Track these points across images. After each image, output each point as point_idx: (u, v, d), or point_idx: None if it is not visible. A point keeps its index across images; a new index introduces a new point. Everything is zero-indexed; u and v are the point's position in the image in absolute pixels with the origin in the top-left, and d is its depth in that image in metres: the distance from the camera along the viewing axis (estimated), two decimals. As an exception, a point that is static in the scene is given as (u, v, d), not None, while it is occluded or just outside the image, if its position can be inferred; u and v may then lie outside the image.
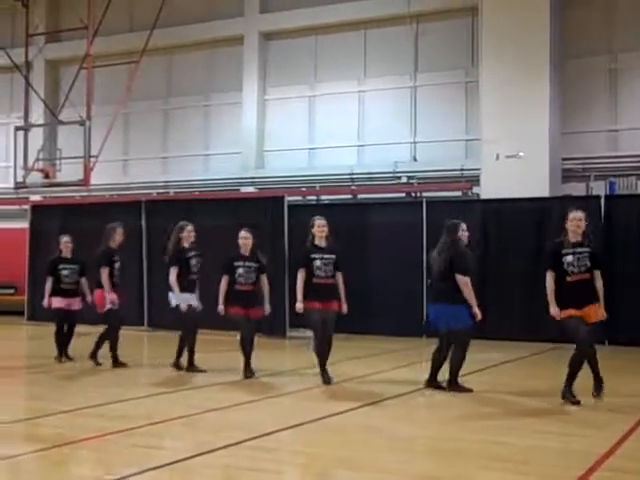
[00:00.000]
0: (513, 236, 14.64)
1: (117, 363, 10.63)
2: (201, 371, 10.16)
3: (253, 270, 9.77)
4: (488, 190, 16.02)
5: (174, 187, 20.71)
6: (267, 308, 9.91)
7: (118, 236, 10.92)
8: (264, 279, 9.91)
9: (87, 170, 18.31)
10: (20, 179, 19.47)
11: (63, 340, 11.21)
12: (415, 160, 18.37)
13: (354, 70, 19.25)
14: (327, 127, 19.42)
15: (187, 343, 10.24)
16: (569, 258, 8.05)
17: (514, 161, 15.71)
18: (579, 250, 8.09)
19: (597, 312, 8.15)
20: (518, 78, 16.01)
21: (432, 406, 8.23)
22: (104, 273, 10.65)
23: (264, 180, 19.65)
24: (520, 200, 14.92)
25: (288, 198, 16.08)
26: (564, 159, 16.50)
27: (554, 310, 8.12)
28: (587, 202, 13.85)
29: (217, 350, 12.26)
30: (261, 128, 20.15)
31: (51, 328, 11.39)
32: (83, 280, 11.39)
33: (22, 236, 18.58)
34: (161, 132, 21.61)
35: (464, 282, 8.56)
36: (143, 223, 16.87)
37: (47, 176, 19.61)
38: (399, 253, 15.15)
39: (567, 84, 16.74)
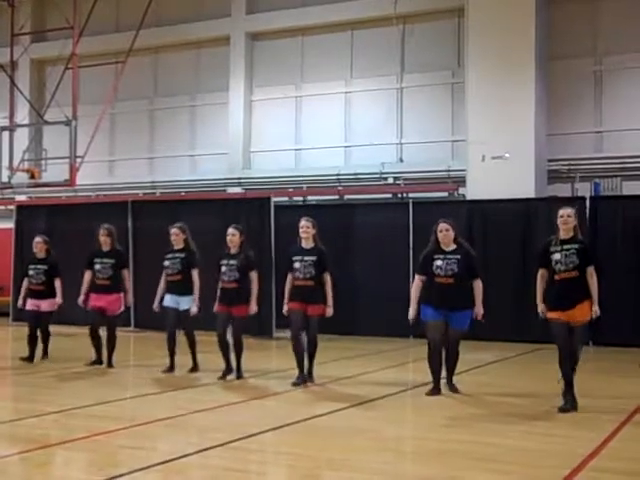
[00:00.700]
0: (499, 237, 14.71)
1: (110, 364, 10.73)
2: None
3: (235, 268, 9.68)
4: (474, 191, 16.07)
5: (161, 187, 20.67)
6: (252, 307, 9.74)
7: (99, 237, 10.86)
8: (252, 276, 9.77)
9: (73, 170, 18.22)
10: (5, 179, 19.35)
11: (30, 341, 11.18)
12: (401, 161, 18.41)
13: (341, 71, 19.27)
14: (314, 128, 19.43)
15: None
16: (557, 256, 7.94)
17: (500, 162, 15.76)
18: (567, 247, 7.95)
19: (584, 311, 7.95)
20: (504, 79, 16.06)
21: (419, 407, 8.24)
22: (85, 275, 10.74)
23: (251, 181, 19.64)
24: (506, 201, 15.00)
25: (275, 199, 16.08)
26: (549, 160, 16.57)
27: (540, 308, 8.10)
28: (572, 203, 13.85)
29: (202, 351, 12.23)
30: (248, 129, 20.14)
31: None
32: (57, 282, 11.20)
33: (7, 236, 18.51)
34: (147, 132, 21.56)
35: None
36: (130, 224, 16.83)
37: (33, 176, 19.50)
38: (385, 254, 15.20)
39: (553, 86, 16.81)
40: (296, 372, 9.42)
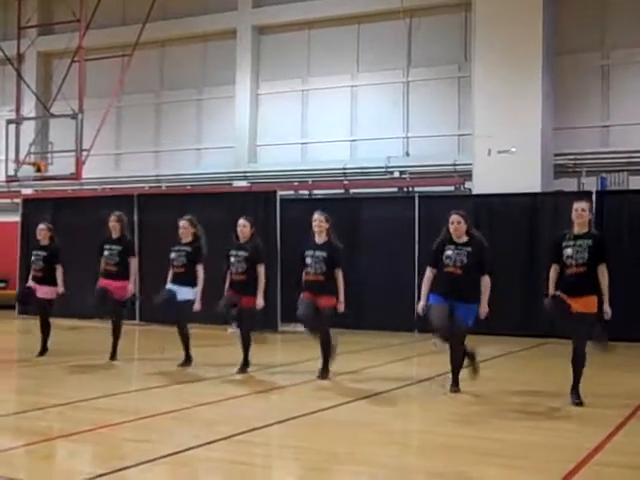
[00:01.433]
0: (505, 231, 14.68)
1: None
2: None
3: (244, 259, 9.63)
4: (480, 185, 16.05)
5: (166, 181, 20.68)
6: (259, 301, 9.64)
7: (110, 224, 10.84)
8: (259, 269, 9.66)
9: (79, 164, 18.26)
10: (12, 172, 19.41)
11: (43, 330, 11.07)
12: (407, 155, 18.38)
13: (347, 65, 19.24)
14: (320, 121, 19.42)
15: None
16: (568, 251, 7.83)
17: (506, 156, 15.74)
18: (579, 242, 7.83)
19: (588, 304, 7.80)
20: (511, 73, 16.03)
21: (425, 401, 8.23)
22: (101, 263, 10.72)
23: (256, 174, 19.63)
24: (512, 195, 15.00)
25: (280, 193, 16.10)
26: (556, 154, 16.53)
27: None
28: (583, 197, 13.86)
29: (209, 345, 12.26)
30: (254, 122, 20.12)
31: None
32: (58, 269, 10.98)
33: (14, 229, 18.55)
34: (153, 126, 21.57)
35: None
36: (135, 217, 16.85)
37: (39, 170, 19.53)
38: (391, 248, 15.20)
39: (560, 80, 16.76)
40: (300, 366, 9.41)
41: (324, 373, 9.29)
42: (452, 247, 8.34)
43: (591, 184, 16.10)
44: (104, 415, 7.13)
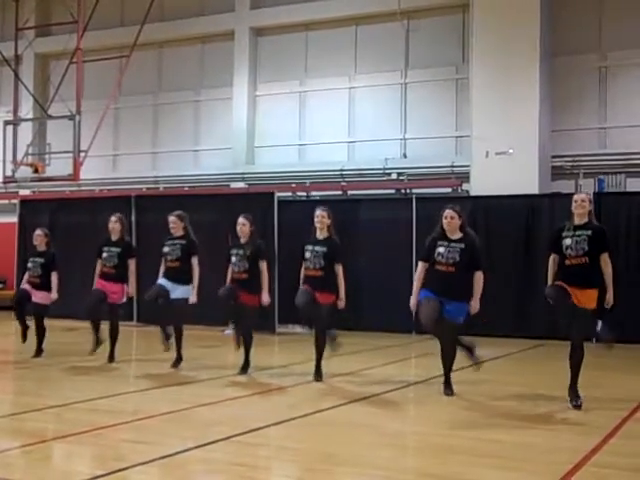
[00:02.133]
0: (502, 232, 14.72)
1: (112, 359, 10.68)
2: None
3: (245, 257, 9.61)
4: (478, 187, 16.06)
5: (164, 182, 20.68)
6: (265, 298, 9.63)
7: (110, 225, 10.81)
8: (262, 266, 9.65)
9: (77, 165, 18.26)
10: (9, 173, 19.42)
11: (38, 332, 11.09)
12: (405, 157, 18.39)
13: (345, 66, 19.26)
14: (317, 123, 19.43)
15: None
16: (567, 241, 7.75)
17: (504, 158, 15.76)
18: (578, 233, 7.75)
19: (589, 298, 7.72)
20: (508, 75, 16.05)
21: (422, 403, 8.23)
22: (97, 265, 10.68)
23: (254, 176, 19.62)
24: (509, 197, 15.02)
25: (278, 194, 16.11)
26: (553, 156, 16.56)
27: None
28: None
29: (205, 345, 12.26)
30: (251, 124, 20.13)
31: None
32: (53, 276, 10.99)
33: (11, 230, 18.52)
34: (151, 127, 21.56)
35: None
36: (133, 218, 16.83)
37: (36, 171, 19.54)
38: (389, 249, 15.21)
39: (557, 82, 16.79)
40: (297, 368, 9.41)
41: (318, 375, 9.29)
42: (445, 244, 8.23)
43: (589, 186, 16.12)
44: (102, 416, 7.14)
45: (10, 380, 9.99)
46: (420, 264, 8.49)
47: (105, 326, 10.60)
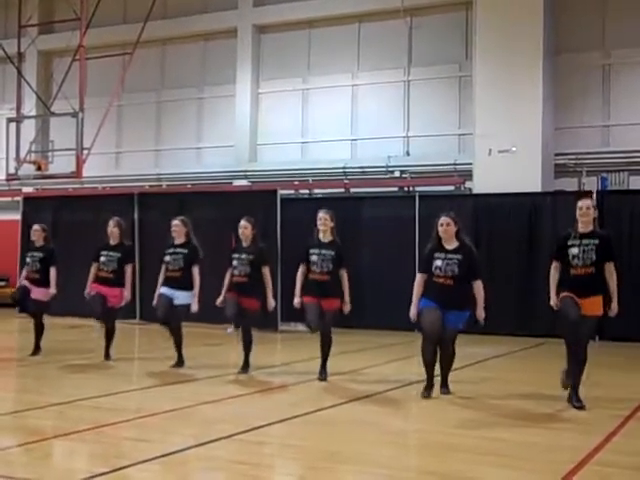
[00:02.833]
0: (505, 231, 14.73)
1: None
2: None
3: (247, 262, 9.53)
4: (481, 185, 16.05)
5: (167, 180, 20.68)
6: (270, 303, 9.56)
7: (108, 229, 10.81)
8: (265, 272, 9.57)
9: (79, 162, 18.27)
10: (12, 171, 19.43)
11: (36, 330, 11.03)
12: (408, 154, 18.38)
13: (348, 64, 19.24)
14: (320, 121, 19.42)
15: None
16: (574, 250, 7.67)
17: (507, 156, 15.74)
18: (585, 242, 7.67)
19: (595, 305, 7.69)
20: (511, 73, 16.03)
21: (424, 401, 8.20)
22: (92, 268, 10.63)
23: (257, 174, 19.62)
24: (512, 195, 15.01)
25: (281, 192, 16.11)
26: (557, 154, 16.54)
27: (553, 301, 7.87)
28: (579, 198, 13.86)
29: (208, 344, 12.26)
30: (254, 121, 20.13)
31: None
32: (52, 271, 10.88)
33: (14, 228, 18.54)
34: (154, 124, 21.57)
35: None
36: (136, 216, 16.87)
37: (39, 168, 19.57)
38: (392, 247, 15.20)
39: (560, 79, 16.77)
40: (300, 366, 9.41)
41: (323, 374, 9.26)
42: (442, 256, 8.13)
43: (592, 184, 16.10)
44: (104, 414, 7.13)
45: (12, 377, 10.00)
46: (419, 276, 8.39)
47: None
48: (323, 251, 9.11)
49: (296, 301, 9.21)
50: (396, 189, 17.97)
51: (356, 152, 19.12)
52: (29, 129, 20.36)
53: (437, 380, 8.52)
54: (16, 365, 10.72)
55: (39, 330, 11.06)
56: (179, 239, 10.17)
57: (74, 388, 8.58)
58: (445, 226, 8.21)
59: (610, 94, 16.84)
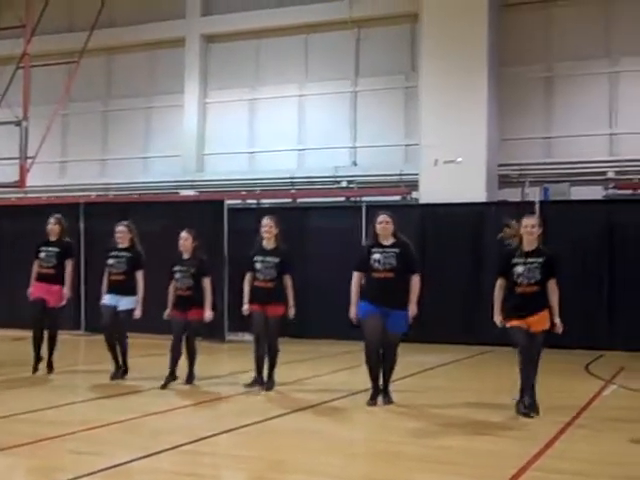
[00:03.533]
0: (451, 240, 14.92)
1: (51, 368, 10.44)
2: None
3: (189, 275, 9.53)
4: (427, 195, 16.22)
5: (113, 189, 20.49)
6: (207, 314, 9.54)
7: (48, 226, 10.55)
8: (205, 283, 9.58)
9: (23, 171, 17.97)
10: (-46, 180, 19.07)
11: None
12: (355, 165, 18.49)
13: (295, 74, 19.30)
14: (268, 131, 19.43)
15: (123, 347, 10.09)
16: (519, 269, 7.78)
17: (452, 166, 15.93)
18: (530, 260, 7.79)
19: (542, 320, 7.83)
20: (457, 84, 16.25)
21: (370, 410, 8.25)
22: (34, 265, 10.46)
23: (204, 183, 19.56)
24: (457, 205, 15.20)
25: (228, 202, 16.08)
26: (501, 165, 16.79)
27: (497, 319, 7.95)
28: (522, 208, 14.12)
29: (153, 354, 12.15)
30: (202, 131, 20.08)
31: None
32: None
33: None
34: (100, 134, 21.36)
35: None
36: (81, 225, 16.67)
37: (-18, 177, 19.22)
38: (338, 257, 15.19)
39: (505, 91, 17.03)
40: (246, 376, 9.39)
41: (270, 383, 9.27)
42: (380, 250, 8.20)
43: (534, 194, 16.37)
44: (47, 427, 7.04)
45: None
46: (355, 274, 8.38)
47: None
48: (267, 258, 9.18)
49: (244, 308, 9.28)
50: (343, 199, 18.05)
51: (303, 162, 19.18)
52: (-29, 137, 20.01)
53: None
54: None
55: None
56: (123, 244, 10.08)
57: (16, 401, 8.44)
58: (384, 224, 8.27)
59: (552, 106, 17.16)
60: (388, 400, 8.37)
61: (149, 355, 12.11)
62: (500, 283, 8.01)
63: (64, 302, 10.52)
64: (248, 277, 9.28)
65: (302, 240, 15.35)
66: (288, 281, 9.22)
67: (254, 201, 18.81)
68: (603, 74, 16.82)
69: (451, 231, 14.99)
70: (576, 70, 16.94)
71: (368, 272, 8.24)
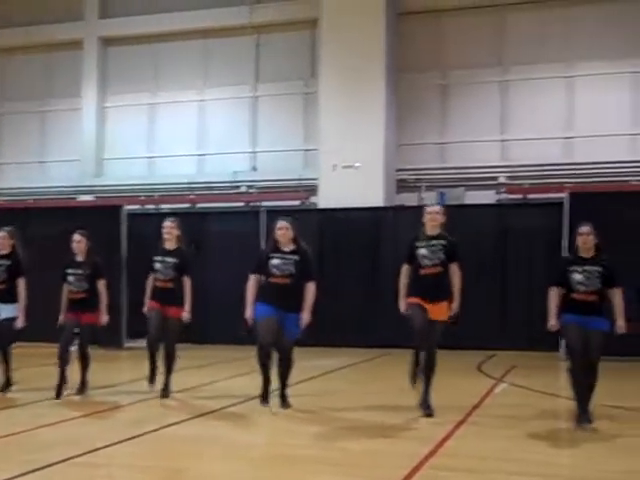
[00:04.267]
0: (349, 244, 15.13)
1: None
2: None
3: (84, 277, 9.33)
4: (325, 200, 16.41)
5: (7, 195, 19.97)
6: (103, 317, 9.36)
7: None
8: (100, 285, 9.36)
9: None
10: None
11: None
12: (255, 170, 18.53)
13: (195, 79, 19.23)
14: (167, 136, 19.32)
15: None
16: (423, 251, 7.99)
17: (351, 171, 16.16)
18: (433, 242, 8.02)
19: (442, 311, 8.00)
20: (355, 90, 16.50)
21: (268, 414, 8.27)
22: None
23: (103, 188, 19.28)
24: (356, 210, 15.41)
25: (127, 207, 15.88)
26: (398, 170, 17.11)
27: (401, 305, 8.12)
28: (419, 212, 14.41)
29: (43, 364, 11.85)
30: (100, 136, 19.80)
31: None
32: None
33: None
34: (-6, 137, 20.81)
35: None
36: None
37: None
38: (237, 262, 15.15)
39: (402, 97, 17.37)
40: (144, 384, 9.31)
41: (166, 391, 9.19)
42: (278, 256, 8.25)
43: (431, 199, 16.67)
44: None
45: None
46: (252, 277, 8.40)
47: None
48: (166, 259, 9.16)
49: (144, 308, 9.26)
50: (242, 204, 18.07)
51: (203, 167, 19.11)
52: None
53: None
54: None
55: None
56: (3, 250, 9.62)
57: None
58: (284, 230, 8.32)
59: (448, 112, 17.58)
60: (286, 404, 8.41)
61: (39, 365, 11.75)
62: (406, 268, 8.19)
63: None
64: (150, 279, 9.26)
65: (201, 245, 15.26)
66: (187, 282, 9.18)
67: (153, 206, 18.63)
68: (495, 82, 17.35)
69: (349, 235, 15.20)
70: (469, 78, 17.42)
71: (266, 277, 8.30)
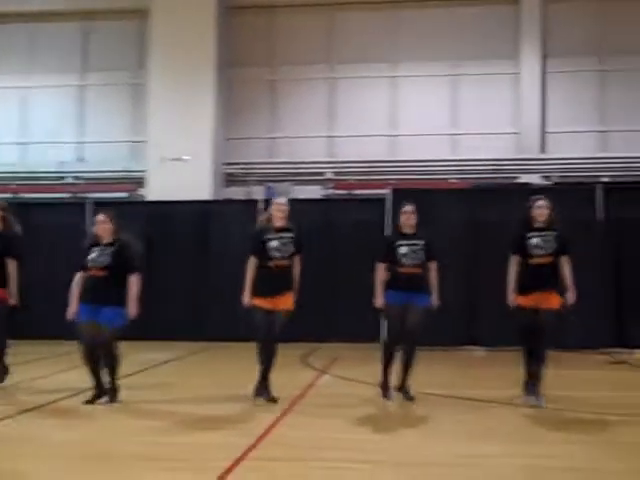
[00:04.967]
0: (177, 237, 15.09)
1: None
2: None
3: None
4: (154, 192, 16.27)
5: None
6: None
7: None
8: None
9: None
10: None
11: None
12: (81, 160, 18.08)
13: (19, 64, 18.52)
14: (-15, 123, 18.49)
15: None
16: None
17: (179, 164, 16.09)
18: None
19: (286, 302, 8.39)
20: (185, 83, 16.44)
21: (90, 411, 8.04)
22: None
23: None
24: (184, 202, 15.35)
25: (-56, 196, 15.09)
26: (227, 164, 17.18)
27: (247, 300, 8.34)
28: (247, 206, 14.64)
29: None
30: None
31: None
32: None
33: None
34: None
35: None
36: None
37: None
38: (62, 255, 14.74)
39: (232, 92, 17.45)
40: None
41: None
42: (97, 248, 8.23)
43: (259, 193, 16.91)
44: None
45: None
46: (77, 275, 8.33)
47: None
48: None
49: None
50: (69, 195, 17.59)
51: (26, 156, 18.44)
52: None
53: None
54: None
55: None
56: None
57: None
58: (101, 224, 8.32)
59: (277, 108, 17.81)
60: (114, 399, 8.32)
61: None
62: (252, 262, 8.38)
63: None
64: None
65: (25, 237, 14.68)
66: (11, 265, 9.15)
67: (-28, 196, 17.80)
68: (323, 79, 17.73)
69: (177, 228, 15.14)
70: (298, 74, 17.72)
71: (85, 270, 8.26)
